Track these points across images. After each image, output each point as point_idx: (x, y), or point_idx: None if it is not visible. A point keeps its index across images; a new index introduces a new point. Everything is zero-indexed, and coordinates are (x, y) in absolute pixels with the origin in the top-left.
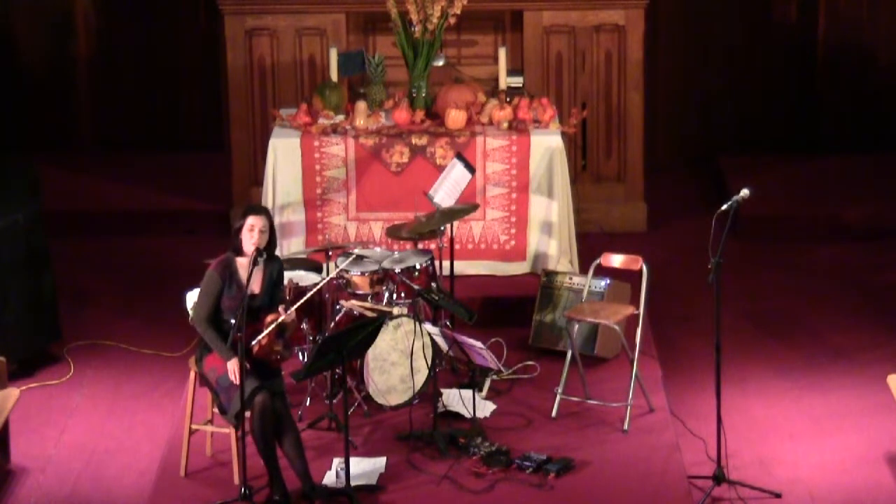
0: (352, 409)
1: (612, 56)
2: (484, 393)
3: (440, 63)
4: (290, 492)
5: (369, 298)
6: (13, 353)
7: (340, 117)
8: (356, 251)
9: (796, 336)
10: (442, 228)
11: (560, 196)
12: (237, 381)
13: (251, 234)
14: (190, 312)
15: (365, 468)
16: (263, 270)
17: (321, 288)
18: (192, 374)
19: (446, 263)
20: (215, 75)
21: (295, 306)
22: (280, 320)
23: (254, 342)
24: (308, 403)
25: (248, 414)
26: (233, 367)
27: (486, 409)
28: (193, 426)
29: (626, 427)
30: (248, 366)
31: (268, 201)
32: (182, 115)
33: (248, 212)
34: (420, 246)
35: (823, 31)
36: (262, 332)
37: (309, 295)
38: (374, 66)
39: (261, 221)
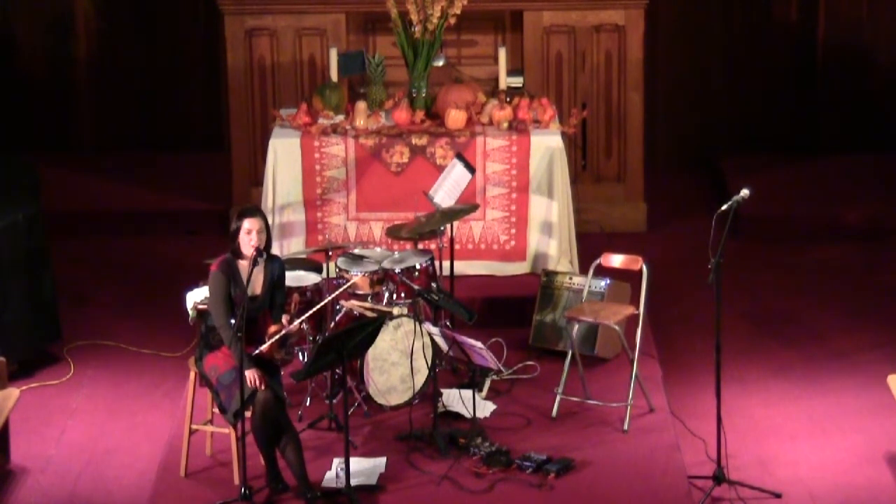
0: (352, 410)
1: (612, 56)
2: (484, 393)
3: (440, 63)
4: (290, 486)
5: (369, 298)
6: (13, 353)
7: (340, 117)
8: (356, 250)
9: (796, 336)
10: (442, 228)
11: (560, 196)
12: (252, 387)
13: (248, 237)
14: (190, 313)
15: (365, 468)
16: (264, 271)
17: (321, 290)
18: (192, 374)
19: (446, 263)
20: (215, 75)
21: (299, 320)
22: (283, 333)
23: (255, 352)
24: (308, 403)
25: (247, 413)
26: (251, 375)
27: (486, 409)
28: (193, 426)
29: (626, 427)
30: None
31: (268, 201)
32: (182, 116)
33: (243, 214)
34: (420, 246)
35: (823, 31)
36: (263, 340)
37: (313, 311)
38: (374, 67)
39: (257, 223)
